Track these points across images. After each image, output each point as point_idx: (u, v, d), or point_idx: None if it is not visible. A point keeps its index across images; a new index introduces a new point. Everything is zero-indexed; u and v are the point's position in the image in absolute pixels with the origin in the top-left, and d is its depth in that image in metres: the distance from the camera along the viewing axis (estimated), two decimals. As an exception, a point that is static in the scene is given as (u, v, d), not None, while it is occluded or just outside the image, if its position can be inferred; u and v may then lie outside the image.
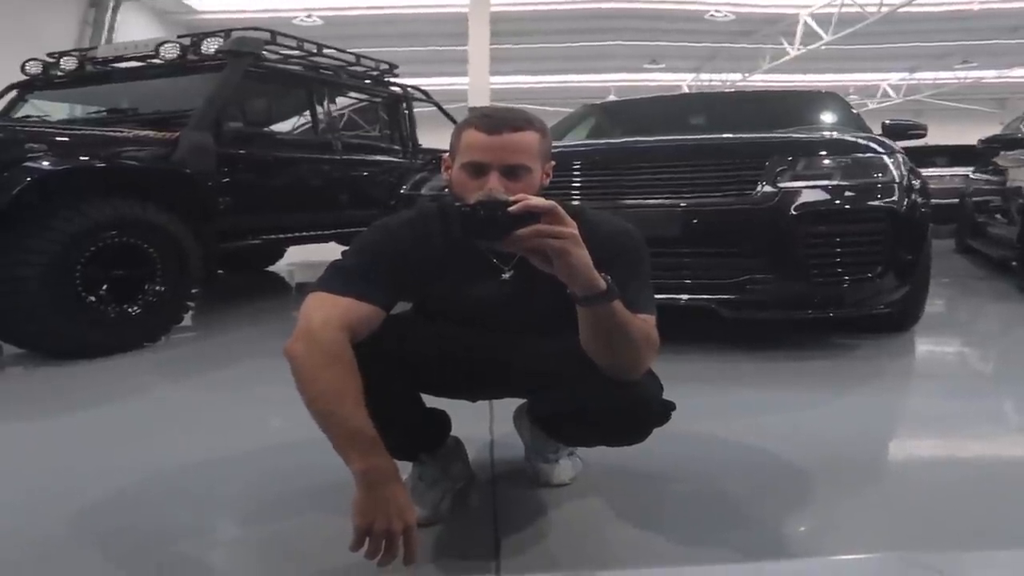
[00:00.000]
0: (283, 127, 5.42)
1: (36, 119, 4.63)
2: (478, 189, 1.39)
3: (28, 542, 1.60)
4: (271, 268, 6.99)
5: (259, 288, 6.20)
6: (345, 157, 5.25)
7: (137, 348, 3.48)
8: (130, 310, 3.48)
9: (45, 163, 3.29)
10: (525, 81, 21.45)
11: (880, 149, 3.22)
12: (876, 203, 3.04)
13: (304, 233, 5.12)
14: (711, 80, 21.84)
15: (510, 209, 1.21)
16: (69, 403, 2.79)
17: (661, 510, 1.74)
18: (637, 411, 1.48)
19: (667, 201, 3.09)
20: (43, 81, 5.01)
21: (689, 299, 3.09)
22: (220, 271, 5.69)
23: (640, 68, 21.02)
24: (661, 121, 4.63)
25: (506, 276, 1.53)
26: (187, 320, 3.96)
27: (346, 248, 1.52)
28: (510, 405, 1.91)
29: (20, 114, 4.93)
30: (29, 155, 3.26)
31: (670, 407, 1.49)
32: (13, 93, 5.10)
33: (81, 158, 3.48)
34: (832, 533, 1.62)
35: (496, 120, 1.43)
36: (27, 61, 5.03)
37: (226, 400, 2.83)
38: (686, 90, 20.48)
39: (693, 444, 2.09)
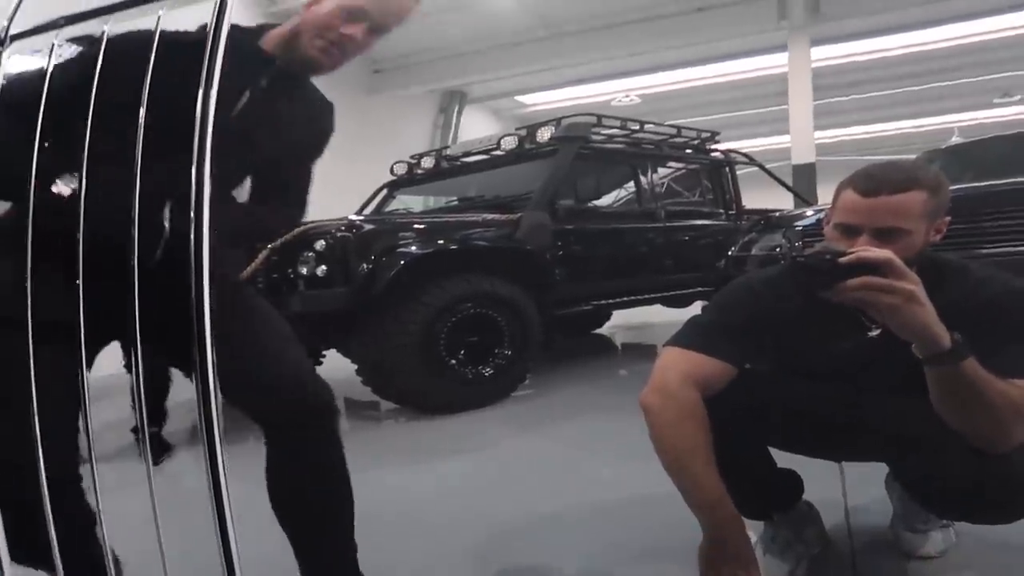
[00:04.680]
0: (607, 199, 5.76)
1: (403, 211, 5.41)
2: None
3: None
4: (598, 331, 7.32)
5: (587, 349, 6.51)
6: (668, 224, 5.43)
7: (489, 404, 3.88)
8: (484, 371, 3.93)
9: (413, 248, 3.85)
10: (854, 132, 20.35)
11: None
12: None
13: (631, 297, 5.35)
14: (1083, 108, 18.99)
15: (840, 260, 1.21)
16: (434, 452, 3.19)
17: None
18: (996, 486, 1.31)
19: None
20: (407, 179, 5.82)
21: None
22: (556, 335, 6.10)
23: (989, 104, 18.93)
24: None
25: (873, 334, 1.45)
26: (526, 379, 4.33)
27: (703, 305, 1.58)
28: (861, 469, 1.80)
29: (389, 208, 5.76)
30: (400, 242, 3.86)
31: None
32: (384, 192, 6.00)
33: (439, 241, 4.03)
34: None
35: (876, 181, 1.36)
36: (395, 164, 5.85)
37: (567, 454, 3.03)
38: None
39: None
